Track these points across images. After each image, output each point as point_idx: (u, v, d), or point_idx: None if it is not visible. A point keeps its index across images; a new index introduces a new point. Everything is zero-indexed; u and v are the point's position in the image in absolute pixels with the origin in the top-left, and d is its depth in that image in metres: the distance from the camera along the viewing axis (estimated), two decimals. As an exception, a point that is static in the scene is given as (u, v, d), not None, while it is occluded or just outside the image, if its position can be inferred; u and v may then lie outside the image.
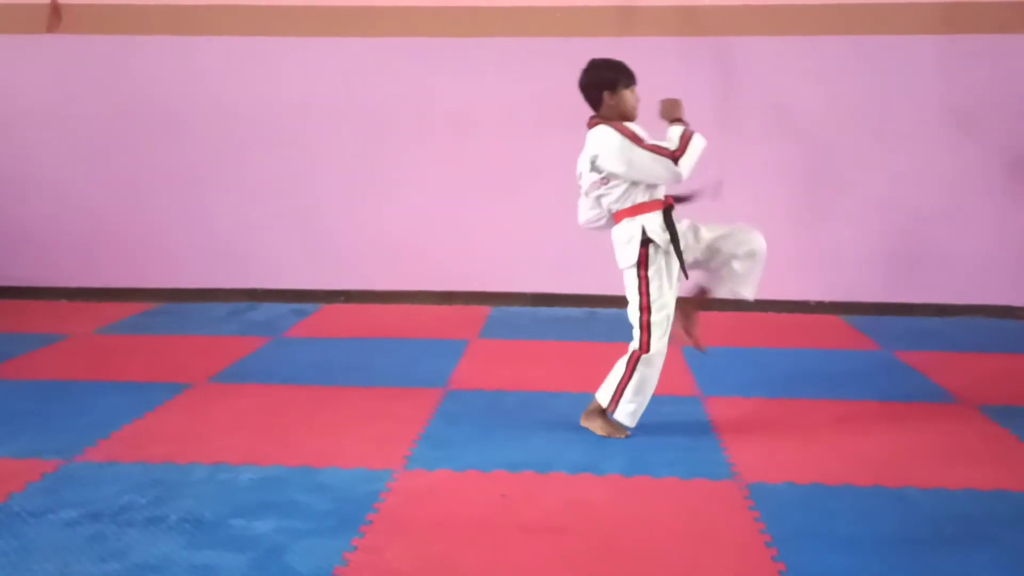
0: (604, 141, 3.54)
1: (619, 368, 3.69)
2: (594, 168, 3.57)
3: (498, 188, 6.17)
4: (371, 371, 4.64)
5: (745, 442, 3.61)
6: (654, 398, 4.19)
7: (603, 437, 3.67)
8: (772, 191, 6.04)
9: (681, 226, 3.65)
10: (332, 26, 6.10)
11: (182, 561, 2.62)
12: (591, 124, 3.65)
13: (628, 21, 5.93)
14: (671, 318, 3.64)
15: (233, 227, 6.35)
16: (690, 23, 5.93)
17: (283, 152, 6.25)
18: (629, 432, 3.71)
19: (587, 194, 3.67)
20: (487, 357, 4.98)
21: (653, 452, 3.49)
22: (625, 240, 3.60)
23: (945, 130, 5.89)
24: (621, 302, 3.71)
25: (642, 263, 3.55)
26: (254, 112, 6.22)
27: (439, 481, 3.22)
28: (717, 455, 3.48)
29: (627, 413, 3.68)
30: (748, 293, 3.78)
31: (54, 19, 6.15)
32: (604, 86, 3.64)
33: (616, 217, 3.63)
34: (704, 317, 5.97)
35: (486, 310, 6.18)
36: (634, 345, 3.64)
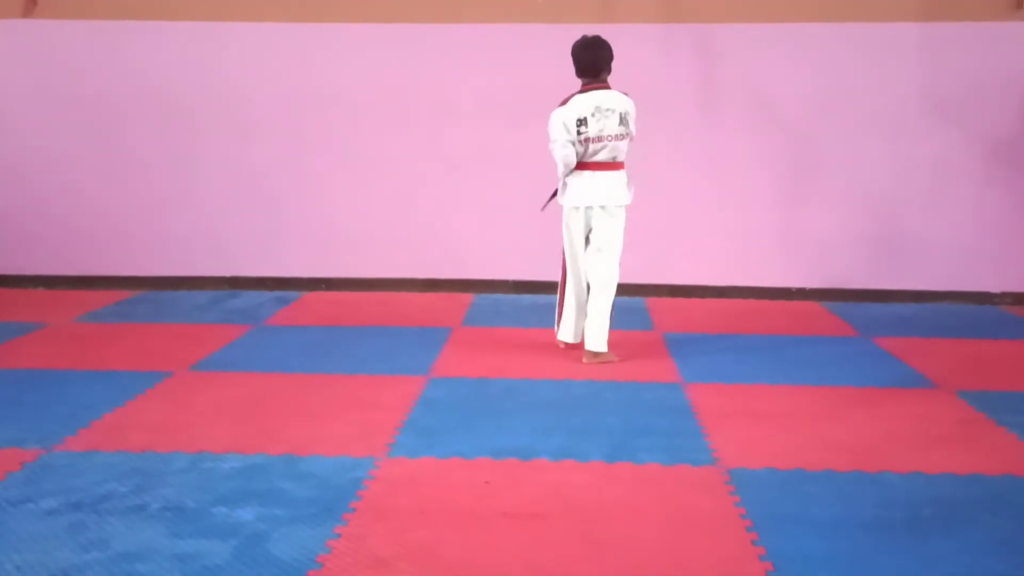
0: (633, 107, 4.45)
1: (604, 309, 4.51)
2: (623, 123, 4.39)
3: (480, 176, 6.16)
4: (354, 359, 4.64)
5: (727, 428, 3.64)
6: (636, 384, 4.25)
7: (585, 424, 3.68)
8: (753, 178, 6.07)
9: None
10: (314, 13, 6.06)
11: (164, 549, 2.61)
12: (602, 87, 4.42)
13: (609, 8, 5.92)
14: None
15: (214, 215, 6.31)
16: (671, 10, 5.93)
17: (264, 139, 6.21)
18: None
19: (595, 140, 4.37)
20: (470, 344, 4.98)
21: (635, 438, 3.51)
22: (626, 183, 4.49)
23: (925, 118, 5.93)
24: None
25: None
26: (235, 99, 6.17)
27: (422, 468, 3.22)
28: (699, 441, 3.50)
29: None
30: None
31: (29, 4, 6.08)
32: (611, 60, 4.46)
33: (617, 165, 4.46)
34: (686, 303, 6.05)
35: (469, 297, 6.18)
36: (612, 276, 4.50)
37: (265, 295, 6.21)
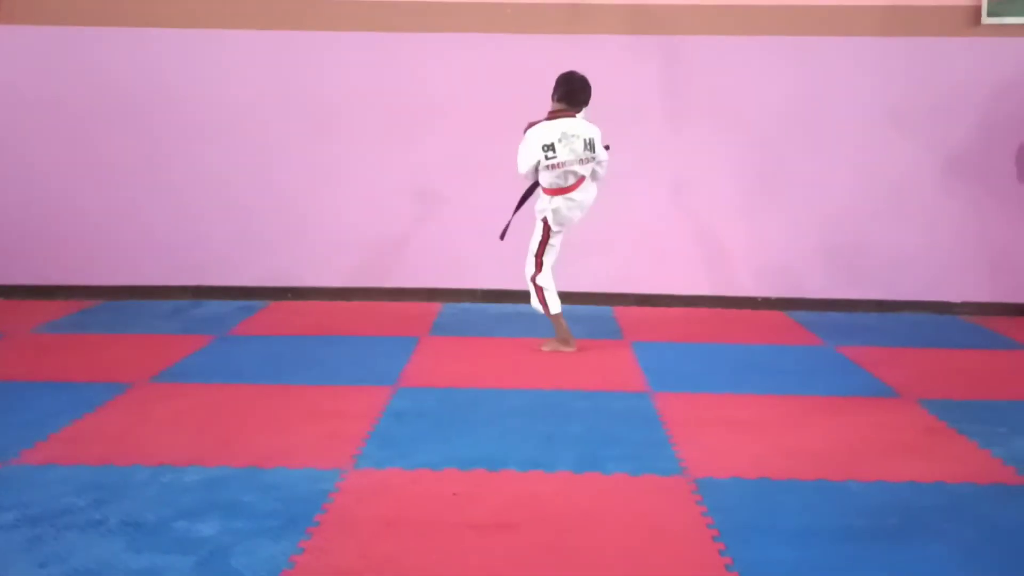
0: (597, 133, 4.73)
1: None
2: (588, 148, 4.67)
3: (447, 183, 6.15)
4: (320, 369, 4.59)
5: (694, 437, 3.64)
6: (603, 393, 4.25)
7: (553, 433, 3.67)
8: (719, 188, 6.12)
9: None
10: (281, 19, 6.01)
11: (123, 565, 2.56)
12: (571, 115, 4.69)
13: (577, 18, 5.95)
14: None
15: (177, 222, 6.22)
16: (638, 21, 5.97)
17: (229, 145, 6.14)
18: None
19: (565, 165, 4.67)
20: (438, 354, 4.95)
21: (603, 448, 3.51)
22: (593, 195, 4.86)
23: (885, 131, 6.01)
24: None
25: None
26: (199, 104, 6.09)
27: (389, 480, 3.19)
28: (666, 451, 3.50)
29: None
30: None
31: (-10, 8, 5.98)
32: (589, 99, 4.75)
33: (583, 179, 4.76)
34: (653, 312, 6.07)
35: (436, 306, 6.16)
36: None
37: (229, 304, 6.13)
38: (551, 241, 4.85)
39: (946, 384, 4.49)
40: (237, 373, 4.50)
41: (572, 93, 4.70)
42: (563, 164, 4.66)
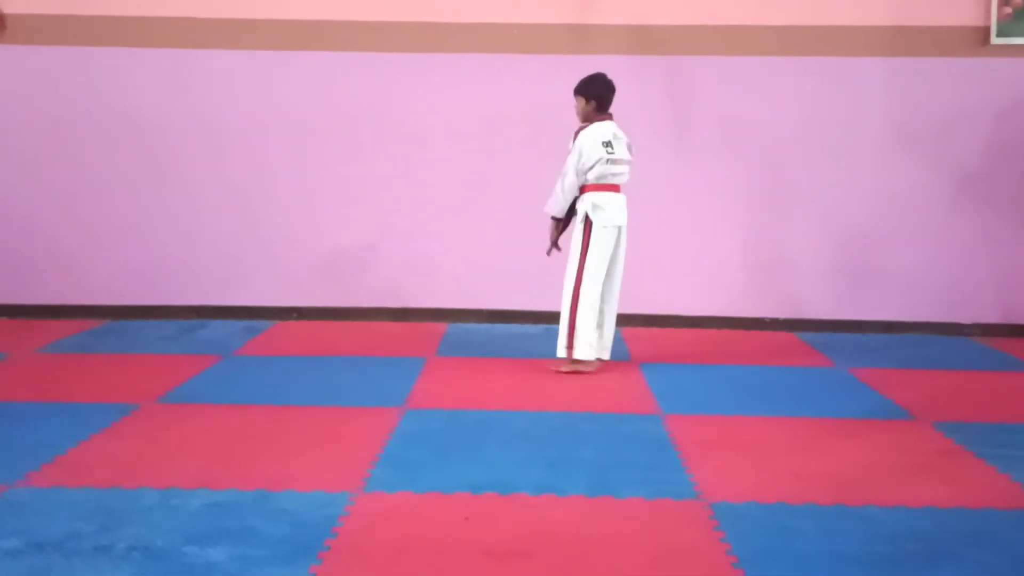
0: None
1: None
2: (629, 151, 4.84)
3: (454, 204, 6.13)
4: (327, 390, 4.55)
5: (707, 460, 3.60)
6: (614, 415, 4.20)
7: (564, 456, 3.62)
8: (723, 208, 6.10)
9: None
10: (285, 40, 6.02)
11: (132, 592, 2.51)
12: (607, 119, 4.83)
13: (582, 39, 5.95)
14: None
15: (182, 242, 6.20)
16: (642, 42, 5.98)
17: (234, 166, 6.14)
18: None
19: (615, 162, 4.79)
20: (445, 375, 4.92)
21: (616, 471, 3.46)
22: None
23: (894, 151, 6.00)
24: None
25: None
26: (204, 125, 6.10)
27: (399, 504, 3.14)
28: (680, 474, 3.45)
29: None
30: None
31: (-1, 28, 5.99)
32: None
33: (622, 187, 4.87)
34: (661, 333, 6.03)
35: (442, 327, 6.12)
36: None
37: (234, 325, 6.09)
38: (594, 246, 4.74)
39: (960, 406, 4.45)
40: (244, 394, 4.46)
41: (608, 96, 4.82)
42: (617, 161, 4.77)
